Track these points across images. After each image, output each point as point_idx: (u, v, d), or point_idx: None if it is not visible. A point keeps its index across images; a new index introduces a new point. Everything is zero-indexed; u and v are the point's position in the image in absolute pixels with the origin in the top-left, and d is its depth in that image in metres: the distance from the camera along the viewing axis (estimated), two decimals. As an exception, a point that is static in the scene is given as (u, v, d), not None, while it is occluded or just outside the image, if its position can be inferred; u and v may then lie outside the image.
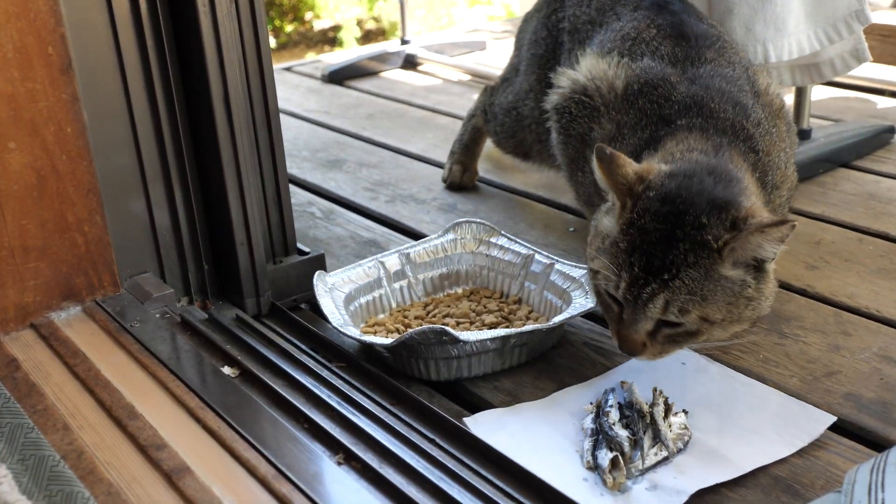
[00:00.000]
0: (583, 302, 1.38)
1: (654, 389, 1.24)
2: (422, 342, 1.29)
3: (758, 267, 1.16)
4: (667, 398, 1.23)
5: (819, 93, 2.59)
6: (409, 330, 1.29)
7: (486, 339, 1.30)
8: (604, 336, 1.45)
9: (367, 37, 7.15)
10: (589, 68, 1.53)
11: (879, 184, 1.98)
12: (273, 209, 1.56)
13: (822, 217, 1.84)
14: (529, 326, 1.31)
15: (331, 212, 2.06)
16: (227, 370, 1.21)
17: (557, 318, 1.34)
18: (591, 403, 1.25)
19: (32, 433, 1.03)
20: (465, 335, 1.27)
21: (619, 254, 1.17)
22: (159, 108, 1.38)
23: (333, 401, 1.18)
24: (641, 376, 1.30)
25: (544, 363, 1.39)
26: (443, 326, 1.26)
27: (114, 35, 1.31)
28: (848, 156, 2.10)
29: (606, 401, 1.23)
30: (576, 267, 1.47)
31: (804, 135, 2.08)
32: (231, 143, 1.40)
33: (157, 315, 1.33)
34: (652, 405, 1.21)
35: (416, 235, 1.89)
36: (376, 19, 7.84)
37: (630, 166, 1.21)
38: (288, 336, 1.40)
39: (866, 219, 1.81)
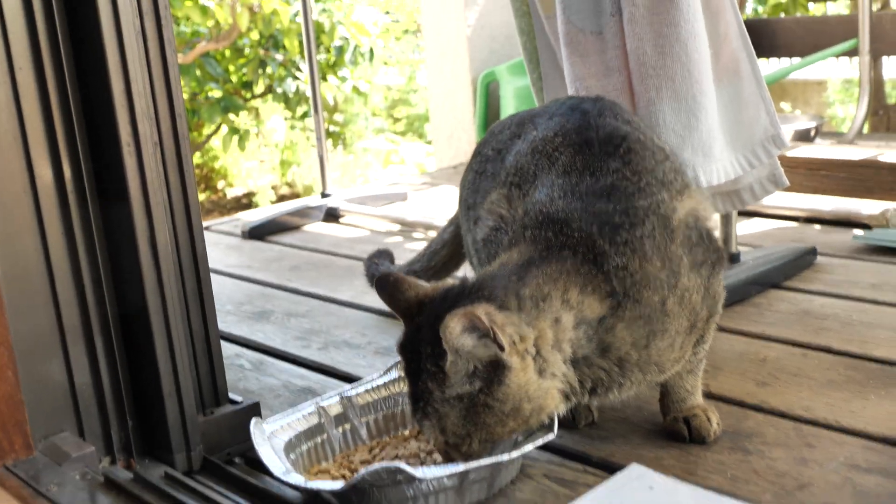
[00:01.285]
0: (539, 433, 1.31)
1: (626, 517, 1.16)
2: (374, 483, 1.19)
3: (497, 365, 1.19)
4: (641, 527, 1.15)
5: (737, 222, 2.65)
6: (360, 471, 1.19)
7: (443, 476, 1.21)
8: (563, 466, 1.38)
9: (282, 201, 7.19)
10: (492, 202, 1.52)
11: (812, 301, 2.00)
12: (202, 358, 1.47)
13: (763, 335, 1.83)
14: (489, 459, 1.23)
15: (261, 362, 1.96)
16: (162, 531, 1.09)
17: (518, 450, 1.26)
18: (561, 538, 1.16)
19: None
20: (421, 472, 1.18)
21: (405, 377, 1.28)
22: (80, 258, 1.30)
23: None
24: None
25: (504, 499, 1.30)
26: (397, 464, 1.17)
27: (31, 179, 1.25)
28: (777, 277, 2.12)
29: (577, 533, 1.14)
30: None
31: (734, 258, 2.10)
32: (159, 291, 1.33)
33: (77, 477, 1.21)
34: (626, 534, 1.13)
35: (352, 380, 1.80)
36: (290, 185, 7.93)
37: (413, 290, 1.29)
38: (224, 492, 1.28)
39: (806, 335, 1.80)
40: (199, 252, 1.45)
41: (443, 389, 1.21)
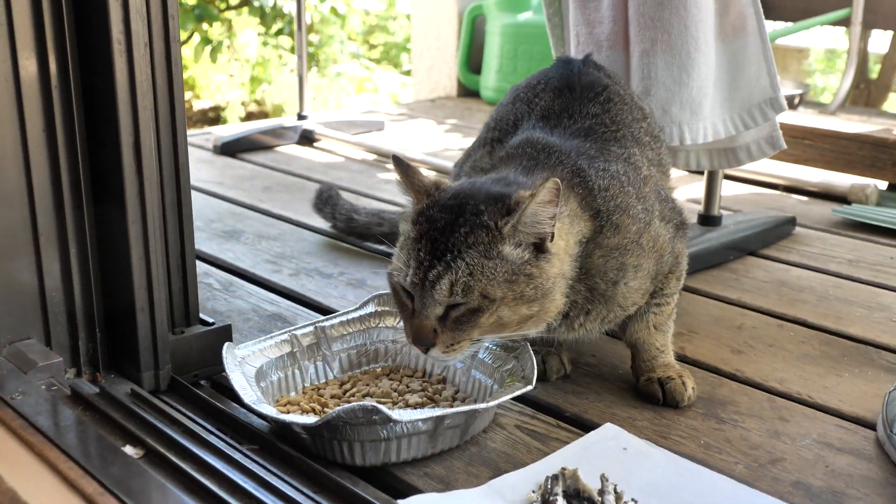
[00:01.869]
0: (518, 384, 1.29)
1: (602, 476, 1.15)
2: (348, 421, 1.17)
3: (539, 247, 1.20)
4: (615, 486, 1.14)
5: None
6: (336, 408, 1.16)
7: (418, 420, 1.18)
8: (536, 419, 1.36)
9: (249, 118, 7.04)
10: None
11: (788, 272, 2.00)
12: (176, 274, 1.42)
13: (739, 302, 1.82)
14: (466, 407, 1.21)
15: (230, 283, 1.92)
16: (129, 450, 1.05)
17: (496, 400, 1.24)
18: (534, 492, 1.15)
19: None
20: (397, 414, 1.16)
21: (409, 244, 1.23)
22: (59, 155, 1.24)
23: (250, 486, 1.04)
24: (582, 462, 1.21)
25: (476, 447, 1.28)
26: (374, 404, 1.14)
27: (14, 69, 1.18)
28: (755, 244, 2.11)
29: (551, 489, 1.13)
30: (508, 343, 1.38)
31: (715, 221, 2.09)
32: (139, 197, 1.27)
33: (43, 387, 1.16)
34: (601, 493, 1.12)
35: (323, 310, 1.77)
36: (258, 102, 7.75)
37: (427, 178, 1.28)
38: (191, 415, 1.25)
39: (782, 305, 1.80)
40: (182, 163, 1.39)
41: (491, 246, 1.18)
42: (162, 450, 1.05)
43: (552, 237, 1.21)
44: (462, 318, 1.19)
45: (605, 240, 1.30)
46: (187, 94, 7.71)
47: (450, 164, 2.84)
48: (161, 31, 1.31)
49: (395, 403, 1.36)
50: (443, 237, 1.19)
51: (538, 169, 1.33)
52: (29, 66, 1.20)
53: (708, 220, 2.09)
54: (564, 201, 1.27)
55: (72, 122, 1.24)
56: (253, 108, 7.65)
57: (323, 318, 1.48)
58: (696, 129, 1.83)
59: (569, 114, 1.46)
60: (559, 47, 2.11)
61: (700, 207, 2.13)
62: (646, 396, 1.42)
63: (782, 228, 2.21)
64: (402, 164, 1.28)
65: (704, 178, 2.10)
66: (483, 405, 1.22)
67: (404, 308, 1.24)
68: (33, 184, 1.23)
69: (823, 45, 6.24)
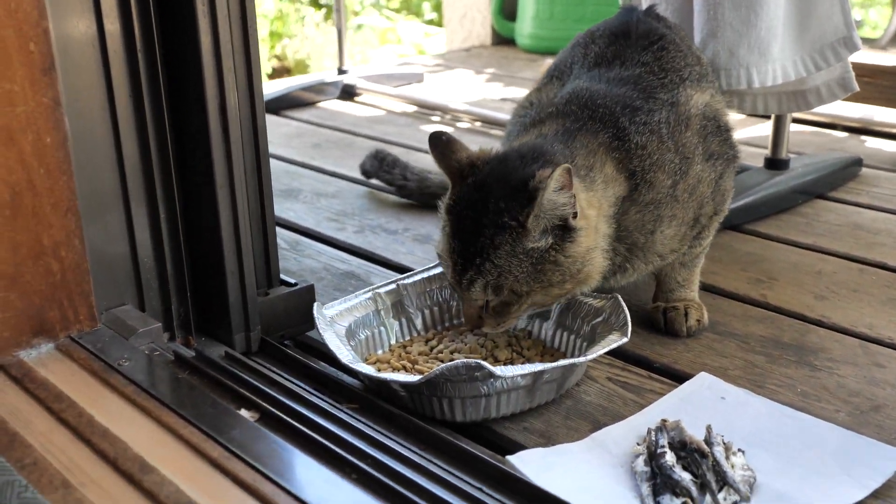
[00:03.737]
0: (612, 337, 1.28)
1: (707, 427, 1.14)
2: (451, 378, 1.16)
3: (564, 227, 1.21)
4: (722, 436, 1.13)
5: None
6: (439, 366, 1.16)
7: (518, 375, 1.18)
8: (627, 371, 1.36)
9: (273, 75, 6.99)
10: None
11: (861, 214, 1.97)
12: (257, 236, 1.41)
13: (815, 247, 1.80)
14: (565, 361, 1.20)
15: (297, 242, 1.91)
16: (245, 413, 1.05)
17: (593, 353, 1.23)
18: (639, 444, 1.15)
19: (27, 492, 0.86)
20: (500, 370, 1.15)
21: (446, 238, 1.26)
22: (147, 120, 1.23)
23: (361, 444, 1.04)
24: (681, 413, 1.21)
25: (572, 401, 1.28)
26: (478, 360, 1.14)
27: (100, 34, 1.16)
28: (823, 187, 2.08)
29: (657, 441, 1.12)
30: (594, 297, 1.37)
31: (783, 164, 2.05)
32: (226, 160, 1.26)
33: (146, 352, 1.17)
34: (708, 443, 1.12)
35: (394, 267, 1.77)
36: (279, 57, 7.68)
37: (464, 152, 1.28)
38: (286, 375, 1.25)
39: (860, 249, 1.78)
40: (259, 126, 1.37)
41: (516, 243, 1.20)
42: (277, 412, 1.05)
43: (575, 215, 1.21)
44: (499, 307, 1.26)
45: (640, 196, 1.32)
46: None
47: (494, 114, 2.81)
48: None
49: (483, 359, 1.35)
50: (471, 238, 1.22)
51: (580, 133, 1.33)
52: (113, 30, 1.18)
53: (775, 163, 2.05)
54: (600, 167, 1.29)
55: (158, 87, 1.23)
56: (274, 63, 7.59)
57: (403, 275, 1.48)
58: (765, 72, 1.78)
59: (621, 60, 1.47)
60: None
61: (766, 151, 2.10)
62: (651, 324, 1.48)
63: (849, 170, 2.17)
64: (437, 146, 1.29)
65: (772, 119, 2.06)
66: (581, 359, 1.22)
67: (455, 290, 1.31)
68: (122, 150, 1.22)
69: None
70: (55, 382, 1.07)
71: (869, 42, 3.65)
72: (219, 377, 1.12)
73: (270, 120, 3.01)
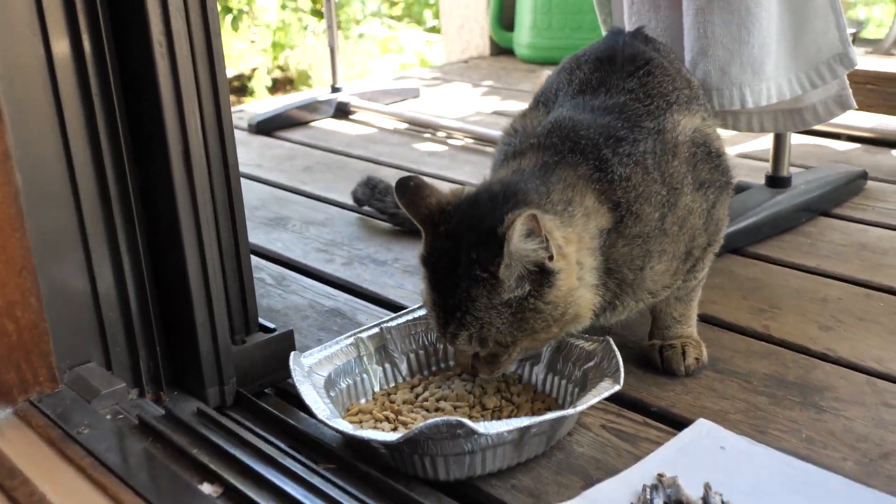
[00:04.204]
0: (604, 384, 1.21)
1: (706, 485, 1.07)
2: (431, 437, 1.10)
3: (542, 270, 1.15)
4: (721, 495, 1.06)
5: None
6: (417, 425, 1.09)
7: (504, 431, 1.11)
8: (622, 417, 1.29)
9: (275, 86, 6.94)
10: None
11: (867, 233, 1.89)
12: (232, 278, 1.35)
13: (819, 271, 1.72)
14: (553, 414, 1.13)
15: (282, 277, 1.85)
16: (206, 488, 0.99)
17: (583, 404, 1.16)
18: (632, 503, 1.08)
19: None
20: (483, 427, 1.09)
21: (427, 289, 1.22)
22: (105, 167, 1.17)
23: (334, 516, 0.98)
24: (678, 466, 1.14)
25: (563, 453, 1.21)
26: (458, 418, 1.07)
27: (51, 78, 1.10)
28: (828, 203, 2.01)
29: (651, 500, 1.06)
30: (585, 339, 1.30)
31: (784, 182, 1.98)
32: (191, 204, 1.20)
33: (109, 417, 1.10)
34: (706, 503, 1.05)
35: (382, 302, 1.70)
36: (282, 68, 7.63)
37: (434, 197, 1.23)
38: (261, 433, 1.19)
39: (866, 271, 1.70)
40: (231, 163, 1.32)
41: (492, 295, 1.15)
42: (240, 486, 0.98)
43: (551, 257, 1.15)
44: (488, 358, 1.22)
45: (627, 229, 1.26)
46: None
47: (488, 131, 2.75)
48: (200, 25, 1.22)
49: (471, 407, 1.29)
50: (449, 290, 1.18)
51: (559, 167, 1.27)
52: (67, 73, 1.12)
53: (777, 181, 1.98)
54: (580, 200, 1.23)
55: (116, 133, 1.17)
56: (277, 74, 7.54)
57: (387, 317, 1.41)
58: (759, 91, 1.71)
59: (606, 87, 1.41)
60: (604, 7, 2.01)
61: (767, 165, 2.02)
62: (648, 362, 1.42)
63: (854, 184, 2.10)
64: (405, 193, 1.24)
65: (772, 135, 1.98)
66: (570, 411, 1.15)
67: None
68: (80, 199, 1.16)
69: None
70: (10, 455, 1.01)
71: (873, 43, 3.58)
72: (182, 446, 1.06)
73: (263, 142, 2.96)
